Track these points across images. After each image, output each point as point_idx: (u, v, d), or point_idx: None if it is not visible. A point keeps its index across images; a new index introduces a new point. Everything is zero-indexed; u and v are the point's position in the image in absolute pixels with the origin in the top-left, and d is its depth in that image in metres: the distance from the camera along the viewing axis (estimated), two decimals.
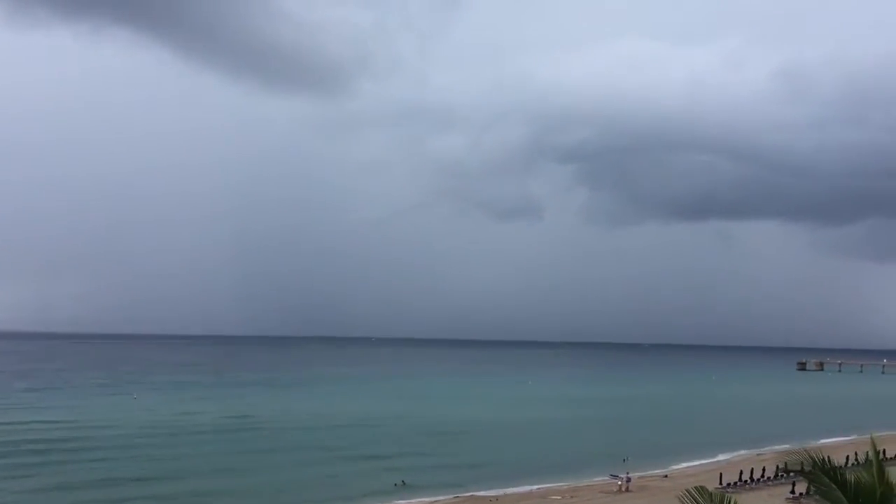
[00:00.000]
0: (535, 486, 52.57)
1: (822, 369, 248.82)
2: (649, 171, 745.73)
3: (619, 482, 52.03)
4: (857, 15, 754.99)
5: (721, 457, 67.14)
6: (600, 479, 54.68)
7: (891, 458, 55.85)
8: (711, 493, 11.00)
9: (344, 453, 64.23)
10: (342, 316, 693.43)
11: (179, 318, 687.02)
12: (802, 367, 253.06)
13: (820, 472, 10.82)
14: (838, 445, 64.79)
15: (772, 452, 67.06)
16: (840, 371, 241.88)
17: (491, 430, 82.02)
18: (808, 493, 38.83)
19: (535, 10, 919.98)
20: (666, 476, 57.17)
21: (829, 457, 11.42)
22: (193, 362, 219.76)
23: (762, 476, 53.65)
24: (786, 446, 69.74)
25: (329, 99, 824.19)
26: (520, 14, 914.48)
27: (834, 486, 10.57)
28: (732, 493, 50.01)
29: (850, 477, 10.28)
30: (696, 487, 11.23)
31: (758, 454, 67.55)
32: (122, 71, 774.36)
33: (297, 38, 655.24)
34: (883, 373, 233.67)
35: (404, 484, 52.29)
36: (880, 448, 51.91)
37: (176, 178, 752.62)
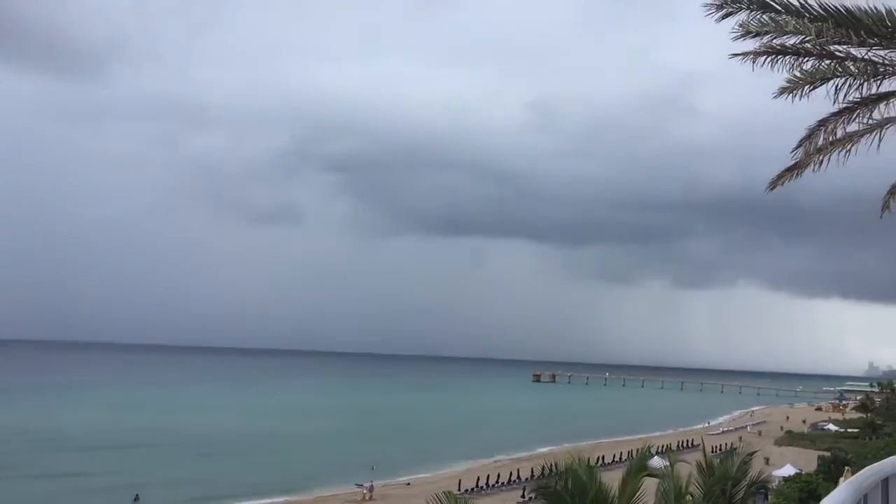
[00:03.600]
0: (279, 499, 51.88)
1: (554, 381, 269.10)
2: (409, 185, 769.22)
3: (364, 491, 52.77)
4: (599, 59, 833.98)
5: (460, 464, 70.28)
6: (345, 489, 55.09)
7: (608, 464, 61.55)
8: (457, 498, 11.54)
9: (64, 468, 59.21)
10: (80, 319, 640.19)
11: None
12: (537, 378, 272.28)
13: (548, 480, 11.80)
14: (564, 452, 70.30)
15: (506, 460, 71.47)
16: (570, 383, 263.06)
17: (236, 442, 79.58)
18: (536, 496, 41.81)
19: (306, 19, 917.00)
20: (408, 484, 58.88)
21: (555, 462, 12.49)
22: None
23: (497, 482, 57.02)
24: (520, 454, 74.92)
25: (77, 83, 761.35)
26: (291, 21, 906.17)
27: (561, 491, 11.55)
28: (470, 498, 52.65)
29: (569, 482, 11.30)
30: (444, 492, 11.70)
31: (494, 461, 71.59)
32: None
33: (42, 12, 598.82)
34: (605, 385, 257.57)
35: (138, 498, 49.38)
36: (600, 454, 56.77)
37: None
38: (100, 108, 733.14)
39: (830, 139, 13.94)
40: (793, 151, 14.55)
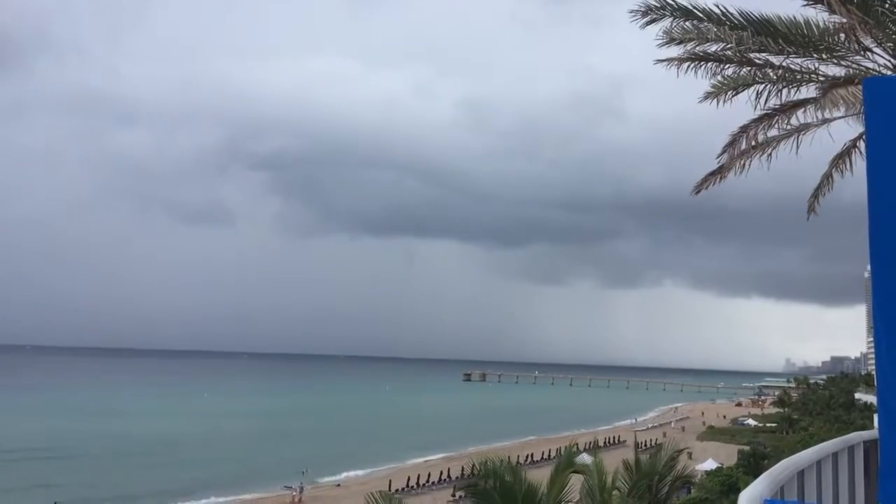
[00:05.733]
0: (206, 501, 50.87)
1: (484, 380, 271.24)
2: (341, 184, 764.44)
3: (293, 493, 52.19)
4: (533, 60, 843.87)
5: (391, 464, 70.12)
6: (273, 492, 54.37)
7: (537, 461, 62.33)
8: (390, 498, 11.53)
9: None
10: None
11: None
12: (468, 377, 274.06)
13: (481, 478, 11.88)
14: (493, 450, 70.90)
15: (437, 458, 71.62)
16: (500, 381, 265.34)
17: (161, 444, 77.50)
18: (466, 495, 42.03)
19: (234, 16, 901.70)
20: (339, 485, 58.47)
21: (483, 461, 12.58)
22: None
23: (427, 481, 57.11)
24: (450, 453, 75.16)
25: None
26: (219, 18, 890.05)
27: (492, 490, 11.65)
28: (401, 497, 52.62)
29: (497, 481, 11.40)
30: (378, 492, 11.67)
31: (425, 461, 71.67)
32: None
33: None
34: (534, 383, 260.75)
35: None
36: (529, 451, 57.44)
37: None
38: (20, 102, 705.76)
39: (753, 144, 14.39)
40: (718, 157, 14.98)
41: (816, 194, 16.33)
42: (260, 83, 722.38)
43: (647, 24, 12.11)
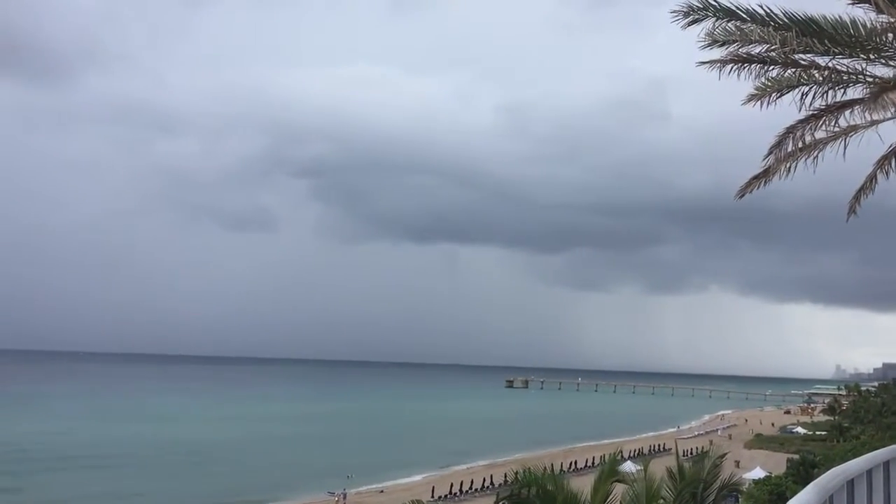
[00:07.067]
0: None
1: (527, 386, 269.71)
2: (382, 190, 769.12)
3: (336, 498, 52.51)
4: (572, 63, 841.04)
5: (434, 470, 70.14)
6: (318, 497, 54.78)
7: (580, 469, 61.80)
8: None
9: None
10: (33, 327, 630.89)
11: None
12: (510, 384, 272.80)
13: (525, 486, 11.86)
14: (537, 458, 70.52)
15: (480, 465, 71.44)
16: (542, 388, 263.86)
17: (209, 450, 78.54)
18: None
19: (274, 24, 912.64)
20: (382, 491, 58.64)
21: (525, 469, 12.54)
22: None
23: (471, 488, 56.97)
24: (493, 460, 74.89)
25: (44, 87, 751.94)
26: (259, 26, 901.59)
27: (533, 498, 11.62)
28: None
29: (539, 490, 11.37)
30: (412, 501, 11.73)
31: (467, 467, 71.55)
32: None
33: (4, 13, 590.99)
34: (577, 390, 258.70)
35: None
36: (572, 459, 57.08)
37: None
38: (67, 113, 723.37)
39: (799, 145, 14.14)
40: (764, 159, 14.75)
41: (858, 195, 15.98)
42: (301, 90, 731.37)
43: (689, 24, 11.98)
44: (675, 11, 11.83)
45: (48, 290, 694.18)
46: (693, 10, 11.79)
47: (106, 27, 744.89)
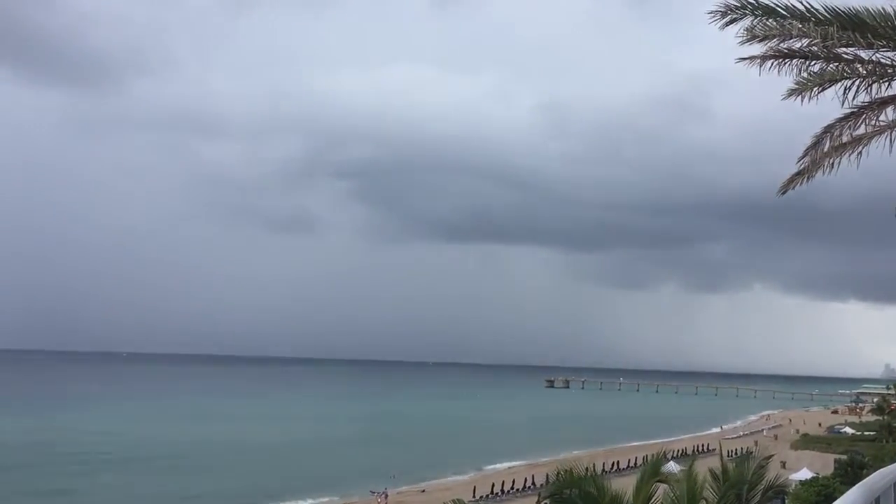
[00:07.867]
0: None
1: (567, 386, 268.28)
2: (422, 191, 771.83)
3: (378, 497, 52.84)
4: (612, 61, 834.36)
5: (475, 470, 70.20)
6: (360, 496, 55.20)
7: (623, 469, 61.40)
8: None
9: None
10: (88, 327, 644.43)
11: None
12: (551, 384, 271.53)
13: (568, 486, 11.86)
14: (577, 457, 70.10)
15: (521, 465, 71.28)
16: (583, 388, 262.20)
17: (254, 450, 79.70)
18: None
19: (314, 27, 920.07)
20: (423, 491, 58.86)
21: (566, 469, 12.53)
22: None
23: (512, 488, 56.91)
24: (535, 460, 74.70)
25: (93, 94, 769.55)
26: (300, 29, 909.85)
27: (575, 498, 11.60)
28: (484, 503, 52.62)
29: (580, 489, 11.36)
30: (453, 500, 11.80)
31: (508, 467, 71.46)
32: None
33: (58, 25, 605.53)
34: (619, 390, 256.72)
35: None
36: (614, 459, 56.69)
37: None
38: (115, 119, 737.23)
39: (836, 144, 13.90)
40: (799, 160, 14.52)
41: None
42: (342, 91, 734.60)
43: (727, 24, 11.86)
44: (712, 12, 11.70)
45: (95, 293, 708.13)
46: (731, 10, 11.65)
47: (151, 31, 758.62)
